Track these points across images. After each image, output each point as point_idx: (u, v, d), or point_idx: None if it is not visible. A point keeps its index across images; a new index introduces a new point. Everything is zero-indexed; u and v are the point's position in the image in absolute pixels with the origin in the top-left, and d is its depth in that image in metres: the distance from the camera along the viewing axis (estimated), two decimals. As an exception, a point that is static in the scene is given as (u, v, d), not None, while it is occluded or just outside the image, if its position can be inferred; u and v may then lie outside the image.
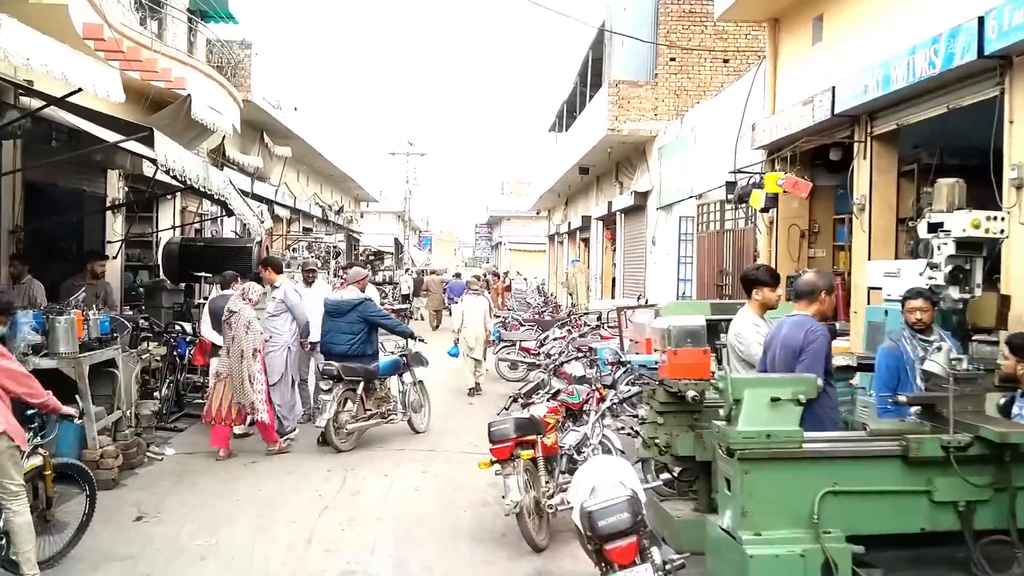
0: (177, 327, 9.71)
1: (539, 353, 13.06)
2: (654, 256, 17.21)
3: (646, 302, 16.34)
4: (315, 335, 9.16)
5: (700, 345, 5.15)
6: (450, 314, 19.77)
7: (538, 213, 39.76)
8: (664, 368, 5.16)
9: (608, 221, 22.88)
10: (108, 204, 11.92)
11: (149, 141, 7.17)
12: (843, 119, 8.69)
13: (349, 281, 10.02)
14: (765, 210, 9.68)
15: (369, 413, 8.55)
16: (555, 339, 13.40)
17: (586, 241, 27.62)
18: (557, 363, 8.91)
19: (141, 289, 12.82)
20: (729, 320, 5.41)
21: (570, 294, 19.16)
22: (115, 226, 12.38)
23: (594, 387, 6.80)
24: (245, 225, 19.97)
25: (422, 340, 9.97)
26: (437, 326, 25.55)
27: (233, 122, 14.65)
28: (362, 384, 8.42)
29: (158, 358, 9.51)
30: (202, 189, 8.86)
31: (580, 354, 10.71)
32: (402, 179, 52.01)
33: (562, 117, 28.46)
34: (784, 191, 8.78)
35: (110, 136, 7.44)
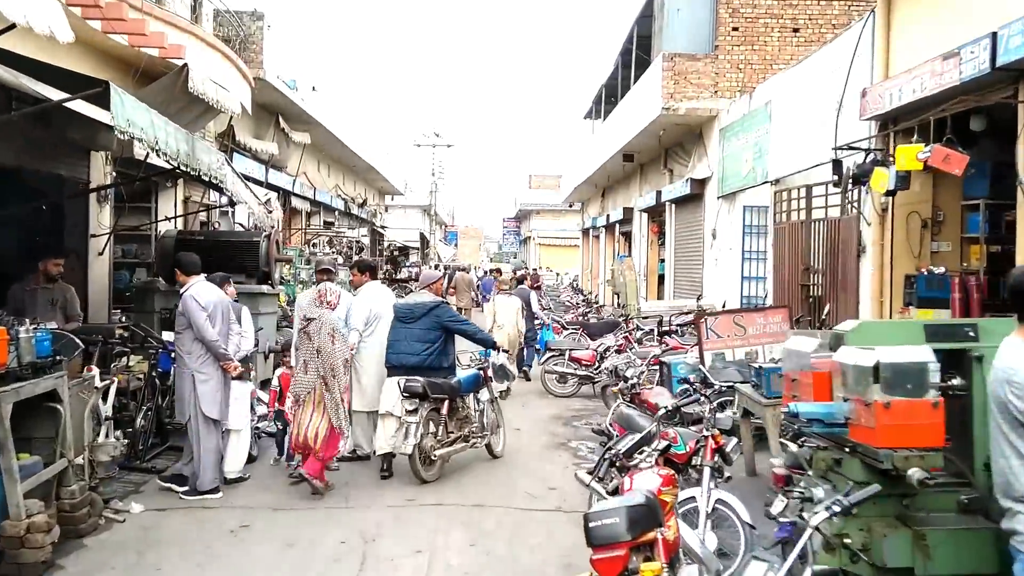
0: (161, 337, 7.97)
1: (592, 365, 11.22)
2: (714, 251, 15.25)
3: (698, 305, 14.46)
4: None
5: (924, 393, 3.30)
6: (483, 312, 18.49)
7: (571, 206, 37.84)
8: (866, 430, 3.31)
9: (654, 213, 20.92)
10: (87, 190, 10.19)
11: (105, 101, 5.38)
12: (1005, 75, 6.70)
13: (422, 284, 8.26)
14: (891, 193, 7.71)
15: (453, 436, 7.30)
16: (612, 348, 11.54)
17: (627, 235, 25.65)
18: (631, 384, 7.02)
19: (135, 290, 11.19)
20: (959, 350, 3.51)
21: (616, 293, 17.27)
22: (100, 217, 10.70)
23: (707, 431, 4.92)
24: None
25: (505, 350, 8.61)
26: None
27: (242, 101, 12.95)
28: (447, 403, 7.16)
29: (140, 376, 7.82)
30: (183, 168, 7.11)
31: (645, 369, 8.86)
32: (428, 172, 50.34)
33: (600, 102, 26.53)
34: (926, 167, 6.82)
35: (52, 93, 5.67)
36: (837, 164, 8.80)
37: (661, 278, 20.33)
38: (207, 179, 7.86)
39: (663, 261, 21.18)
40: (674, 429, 5.24)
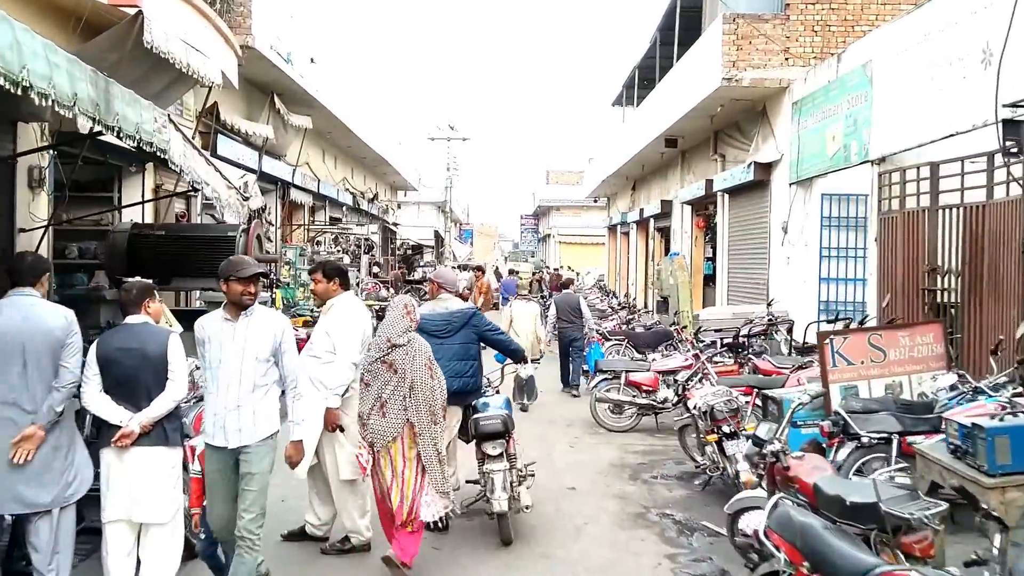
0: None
1: (655, 390, 8.88)
2: (784, 248, 12.86)
3: (770, 312, 12.12)
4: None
5: None
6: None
7: (596, 201, 35.44)
8: None
9: (700, 205, 18.51)
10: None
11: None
12: None
13: (440, 287, 6.45)
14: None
15: (520, 477, 5.87)
16: (678, 369, 9.20)
17: (663, 231, 23.26)
18: (770, 453, 4.63)
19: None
20: None
21: (662, 297, 14.94)
22: (34, 207, 8.47)
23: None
24: (255, 208, 16.10)
25: (535, 361, 7.37)
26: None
27: (225, 70, 10.72)
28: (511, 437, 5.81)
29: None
30: (103, 127, 4.85)
31: (734, 401, 6.56)
32: (442, 167, 48.06)
33: (632, 86, 24.15)
34: None
35: None
36: (1012, 127, 6.40)
37: (707, 279, 17.94)
38: (137, 145, 5.58)
39: (709, 260, 18.80)
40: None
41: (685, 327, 13.49)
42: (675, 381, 8.85)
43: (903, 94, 9.23)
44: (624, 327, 14.29)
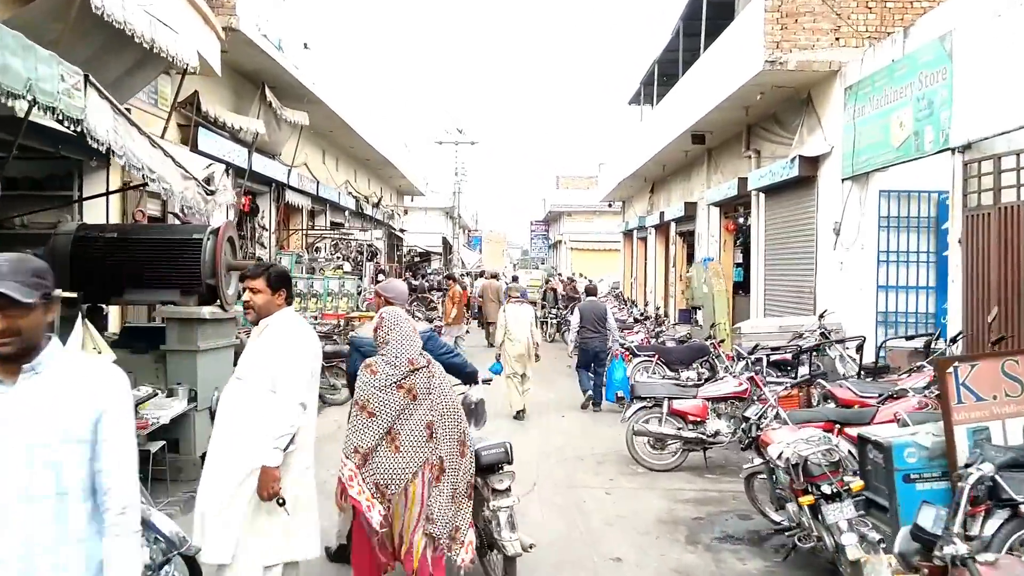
0: None
1: (703, 420, 7.43)
2: (837, 253, 11.37)
3: (822, 324, 10.67)
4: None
5: None
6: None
7: (610, 205, 33.99)
8: None
9: (730, 207, 17.05)
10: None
11: None
12: None
13: (387, 301, 5.26)
14: None
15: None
16: (730, 393, 7.74)
17: (685, 235, 21.79)
18: (953, 560, 3.13)
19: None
20: None
21: (694, 307, 13.46)
22: (-41, 204, 7.12)
23: None
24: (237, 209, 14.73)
25: (487, 381, 6.03)
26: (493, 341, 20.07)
27: (202, 51, 9.40)
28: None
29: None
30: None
31: (824, 445, 5.09)
32: (450, 172, 46.69)
33: (652, 83, 22.76)
34: None
35: None
36: None
37: (737, 287, 16.46)
38: (53, 118, 4.19)
39: (739, 266, 17.33)
40: None
41: (722, 341, 12.02)
42: (737, 415, 7.41)
43: (994, 68, 7.78)
44: (653, 341, 12.82)
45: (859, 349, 9.05)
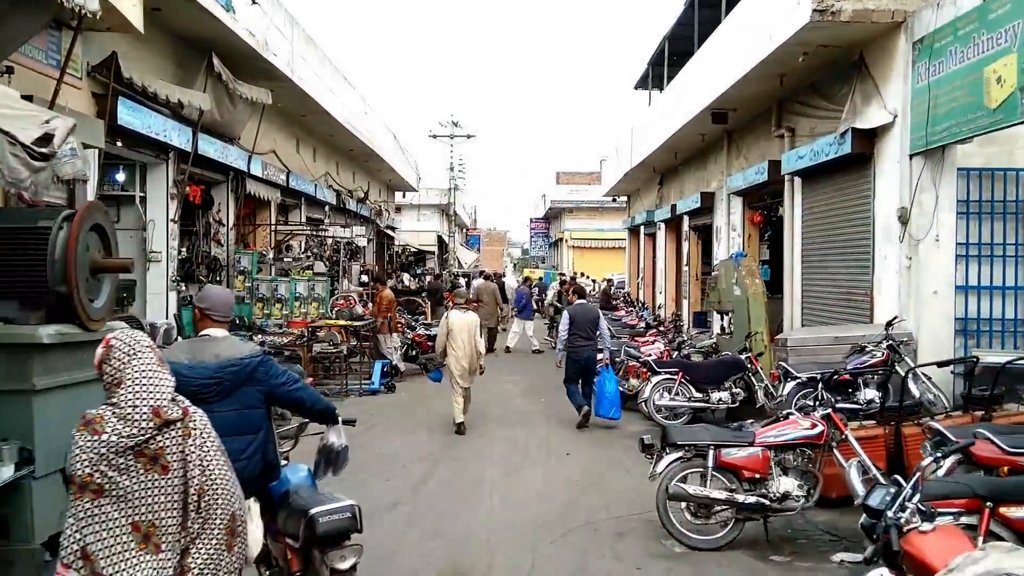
0: None
1: (765, 476, 5.30)
2: (903, 246, 9.23)
3: (887, 334, 8.58)
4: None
5: None
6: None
7: (614, 200, 31.84)
8: None
9: (756, 195, 14.93)
10: None
11: None
12: None
13: (204, 315, 4.07)
14: None
15: None
16: (800, 438, 5.60)
17: (701, 230, 19.64)
18: None
19: None
20: None
21: (722, 312, 11.31)
22: None
23: None
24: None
25: (350, 422, 4.69)
26: (491, 347, 17.99)
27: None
28: None
29: None
30: None
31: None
32: (446, 168, 44.51)
33: (661, 62, 20.67)
34: None
35: None
36: None
37: (772, 287, 14.26)
38: None
39: (765, 263, 15.21)
40: None
41: (760, 354, 9.88)
42: (810, 470, 5.28)
43: None
44: (675, 354, 10.67)
45: (969, 374, 6.85)
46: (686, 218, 20.23)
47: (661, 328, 14.38)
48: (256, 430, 3.86)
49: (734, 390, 9.58)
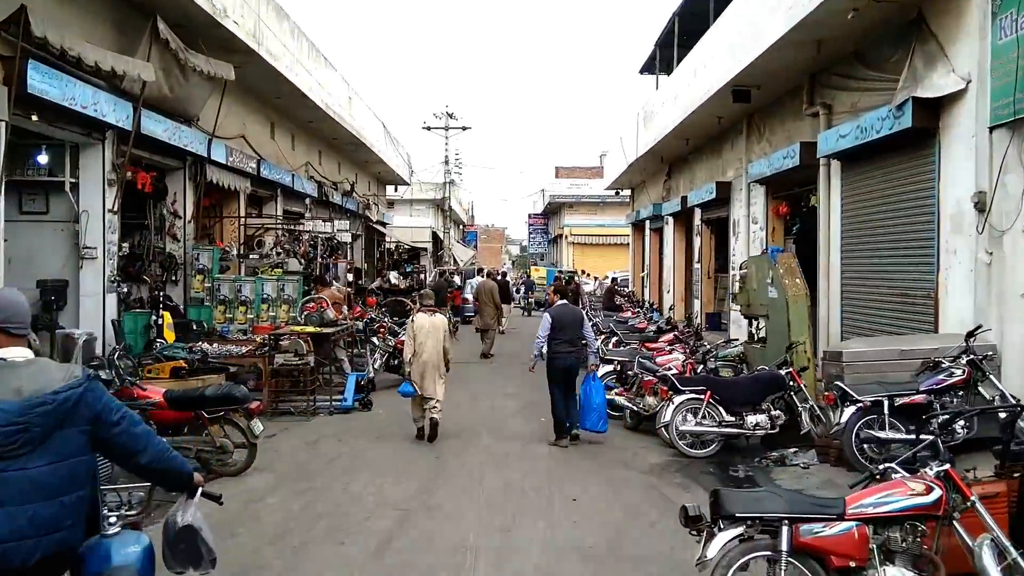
0: None
1: (857, 567, 3.59)
2: (981, 239, 7.59)
3: (971, 348, 6.97)
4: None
5: None
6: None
7: (617, 193, 30.18)
8: None
9: (781, 183, 13.31)
10: None
11: None
12: None
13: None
14: None
15: None
16: (912, 506, 3.92)
17: (714, 223, 18.02)
18: None
19: None
20: None
21: (752, 317, 9.60)
22: None
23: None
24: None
25: (216, 498, 3.30)
26: (489, 352, 16.39)
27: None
28: None
29: None
30: None
31: None
32: (440, 161, 42.77)
33: (670, 43, 19.02)
34: None
35: None
36: None
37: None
38: None
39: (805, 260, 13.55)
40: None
41: (804, 369, 8.23)
42: (924, 555, 3.66)
43: None
44: (699, 368, 8.98)
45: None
46: (698, 211, 18.60)
47: (676, 333, 12.72)
48: (80, 486, 2.74)
49: (773, 412, 7.94)
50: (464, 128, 40.13)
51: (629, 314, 17.84)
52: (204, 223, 14.01)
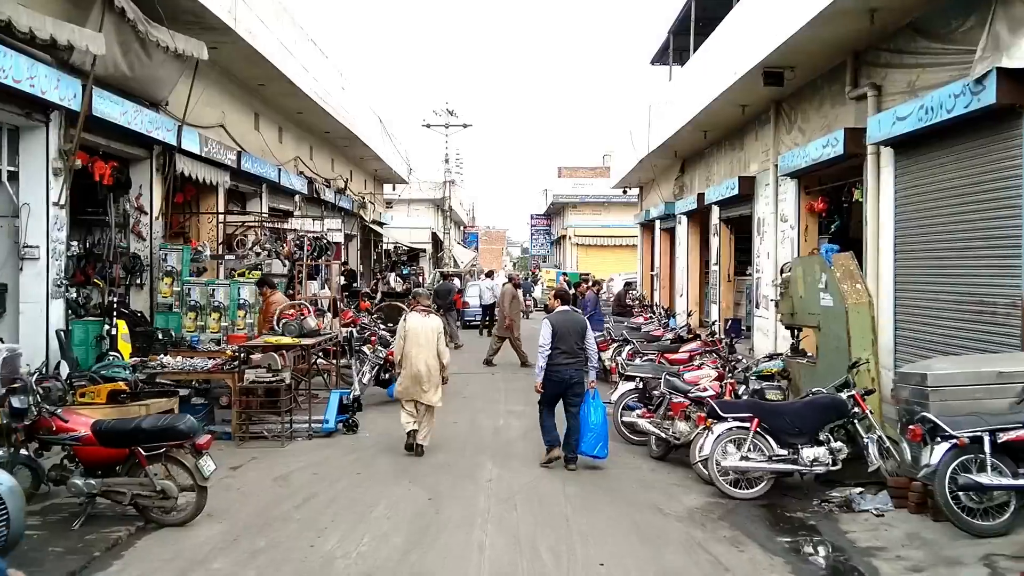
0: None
1: None
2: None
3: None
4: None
5: None
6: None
7: (625, 191, 28.84)
8: None
9: (815, 177, 11.99)
10: None
11: None
12: None
13: None
14: None
15: None
16: None
17: (734, 222, 16.69)
18: None
19: None
20: None
21: (795, 328, 8.25)
22: None
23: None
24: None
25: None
26: (492, 356, 15.17)
27: None
28: None
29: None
30: None
31: None
32: (440, 160, 41.48)
33: (685, 30, 17.69)
34: None
35: None
36: None
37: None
38: None
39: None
40: None
41: (870, 392, 6.88)
42: None
43: None
44: (738, 388, 7.62)
45: None
46: (715, 209, 17.26)
47: (700, 343, 11.37)
48: None
49: (833, 444, 6.61)
50: (465, 125, 38.84)
51: (641, 320, 16.48)
52: (177, 220, 12.70)
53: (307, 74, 15.77)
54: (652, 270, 25.44)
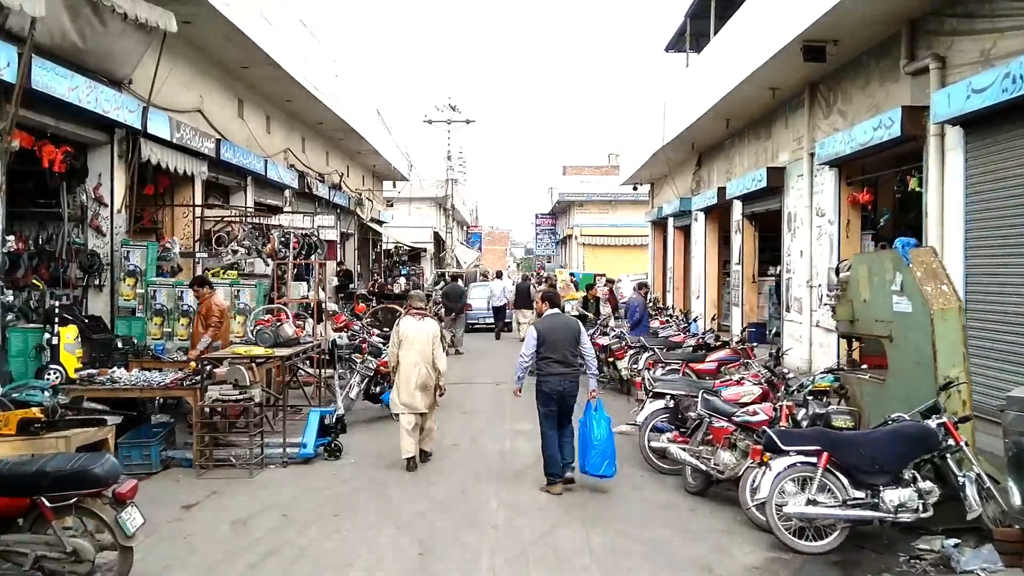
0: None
1: None
2: None
3: None
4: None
5: None
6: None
7: (635, 188, 27.52)
8: None
9: (858, 166, 10.70)
10: None
11: None
12: None
13: None
14: None
15: None
16: None
17: (760, 217, 15.38)
18: None
19: None
20: None
21: (854, 337, 6.95)
22: None
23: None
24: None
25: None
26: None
27: None
28: None
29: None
30: None
31: None
32: (442, 157, 40.19)
33: (702, 14, 16.41)
34: None
35: None
36: None
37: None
38: None
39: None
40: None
41: (965, 419, 5.58)
42: None
43: None
44: (797, 412, 6.31)
45: None
46: (738, 204, 15.96)
47: (729, 351, 10.08)
48: None
49: (921, 484, 5.32)
50: (467, 121, 37.50)
51: (658, 324, 15.18)
52: (148, 214, 11.45)
53: (296, 57, 14.52)
54: (665, 271, 24.15)
